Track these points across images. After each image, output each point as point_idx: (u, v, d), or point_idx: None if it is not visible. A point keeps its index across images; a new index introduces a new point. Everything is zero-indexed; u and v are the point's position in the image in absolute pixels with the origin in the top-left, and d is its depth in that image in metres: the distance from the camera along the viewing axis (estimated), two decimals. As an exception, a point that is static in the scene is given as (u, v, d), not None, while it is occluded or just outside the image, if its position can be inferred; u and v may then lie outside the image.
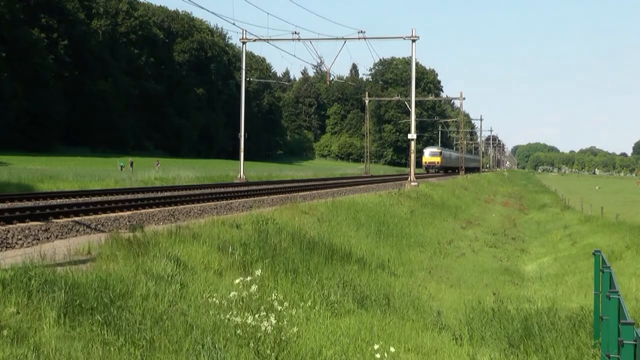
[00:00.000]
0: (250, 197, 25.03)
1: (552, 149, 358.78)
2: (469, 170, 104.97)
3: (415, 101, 46.43)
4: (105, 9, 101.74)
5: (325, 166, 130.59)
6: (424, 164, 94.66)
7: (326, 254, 15.18)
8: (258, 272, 9.62)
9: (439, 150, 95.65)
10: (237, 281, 9.15)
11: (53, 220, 14.64)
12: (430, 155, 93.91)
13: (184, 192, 25.69)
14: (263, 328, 7.84)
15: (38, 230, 13.16)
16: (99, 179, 33.82)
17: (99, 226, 14.71)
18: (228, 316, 8.31)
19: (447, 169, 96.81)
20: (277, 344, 7.86)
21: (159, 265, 10.21)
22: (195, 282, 10.09)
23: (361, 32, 40.91)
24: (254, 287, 8.87)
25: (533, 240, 32.20)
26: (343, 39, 41.23)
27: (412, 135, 43.56)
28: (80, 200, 20.05)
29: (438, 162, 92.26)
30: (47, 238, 13.06)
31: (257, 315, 8.06)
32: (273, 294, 9.34)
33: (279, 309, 8.49)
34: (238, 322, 8.11)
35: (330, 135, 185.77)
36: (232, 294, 8.86)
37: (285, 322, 8.17)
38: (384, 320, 11.09)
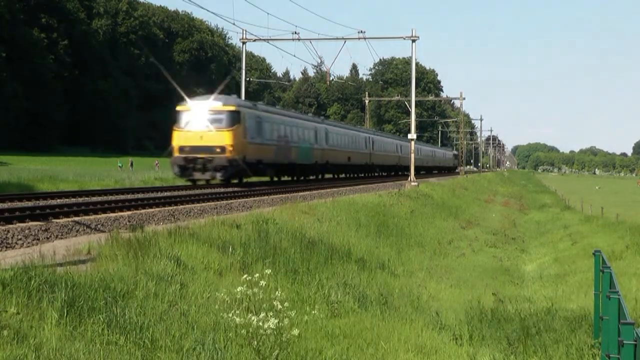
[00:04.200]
0: (250, 197, 25.00)
1: (552, 149, 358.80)
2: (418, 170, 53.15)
3: (415, 101, 46.45)
4: (105, 9, 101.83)
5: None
6: (174, 154, 27.89)
7: (326, 254, 15.20)
8: (265, 271, 9.60)
9: (229, 110, 27.76)
10: (242, 278, 9.15)
11: (53, 220, 14.62)
12: (210, 127, 27.21)
13: (183, 192, 25.66)
14: (264, 328, 7.85)
15: (38, 230, 13.14)
16: (99, 179, 33.79)
17: (99, 226, 14.69)
18: (229, 316, 8.32)
19: (259, 168, 31.12)
20: (277, 343, 7.86)
21: (159, 265, 10.21)
22: (195, 282, 10.10)
23: (361, 32, 40.96)
24: (259, 285, 8.86)
25: (533, 240, 32.21)
26: (343, 39, 41.25)
27: (412, 135, 43.57)
28: (80, 200, 20.01)
29: (227, 149, 27.06)
30: (47, 238, 13.05)
31: (258, 315, 8.06)
32: (273, 294, 9.34)
33: (280, 309, 8.49)
34: (239, 321, 8.11)
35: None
36: (237, 289, 8.86)
37: (286, 322, 8.18)
38: (384, 320, 11.10)
